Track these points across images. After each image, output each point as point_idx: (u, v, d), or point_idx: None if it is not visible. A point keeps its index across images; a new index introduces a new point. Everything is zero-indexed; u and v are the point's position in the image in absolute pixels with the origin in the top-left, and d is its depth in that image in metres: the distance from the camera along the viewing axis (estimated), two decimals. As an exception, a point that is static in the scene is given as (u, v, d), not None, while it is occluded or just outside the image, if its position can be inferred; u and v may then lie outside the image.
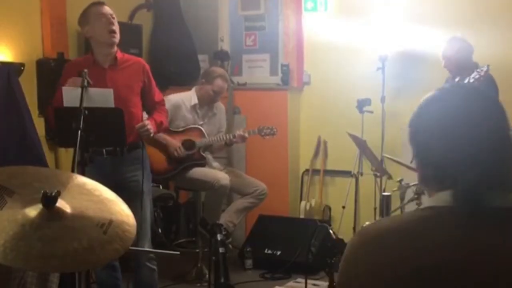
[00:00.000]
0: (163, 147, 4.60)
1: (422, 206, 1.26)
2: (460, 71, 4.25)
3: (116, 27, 3.51)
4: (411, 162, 4.65)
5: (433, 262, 1.14)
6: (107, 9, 3.54)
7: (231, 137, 4.75)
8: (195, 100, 4.79)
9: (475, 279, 1.13)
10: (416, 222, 1.22)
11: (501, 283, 1.13)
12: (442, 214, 1.21)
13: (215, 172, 4.74)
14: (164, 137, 4.57)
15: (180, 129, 4.71)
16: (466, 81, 3.85)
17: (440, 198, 1.22)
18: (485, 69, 3.78)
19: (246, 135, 4.77)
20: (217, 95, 4.79)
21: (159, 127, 3.69)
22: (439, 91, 1.28)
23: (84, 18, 3.57)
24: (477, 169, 1.18)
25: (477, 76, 3.81)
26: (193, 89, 4.86)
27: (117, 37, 3.51)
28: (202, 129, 4.75)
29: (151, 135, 3.59)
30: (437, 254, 1.15)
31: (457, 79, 4.06)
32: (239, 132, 4.77)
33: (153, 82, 3.73)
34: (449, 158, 1.21)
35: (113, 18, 3.53)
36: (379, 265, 1.18)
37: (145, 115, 3.77)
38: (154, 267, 3.73)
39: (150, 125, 3.55)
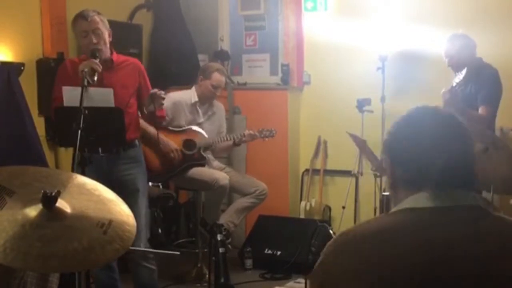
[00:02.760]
0: (159, 148, 4.46)
1: (396, 208, 1.37)
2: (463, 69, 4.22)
3: (99, 43, 3.44)
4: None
5: (415, 261, 1.22)
6: (88, 25, 3.44)
7: (240, 136, 4.72)
8: (195, 98, 4.78)
9: (457, 276, 1.21)
10: (395, 224, 1.31)
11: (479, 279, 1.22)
12: (422, 215, 1.31)
13: (214, 172, 4.74)
14: (161, 137, 4.50)
15: (181, 129, 4.70)
16: (453, 84, 3.85)
17: (417, 200, 1.33)
18: (464, 72, 3.78)
19: (257, 134, 4.73)
20: (217, 89, 4.78)
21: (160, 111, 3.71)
22: (411, 114, 1.46)
23: (72, 26, 3.58)
24: (449, 171, 1.33)
25: (457, 81, 3.82)
26: (193, 88, 4.86)
27: (101, 52, 3.44)
28: (201, 131, 4.72)
29: (163, 103, 3.59)
30: (419, 254, 1.23)
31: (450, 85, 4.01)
32: (248, 131, 4.74)
33: (148, 83, 3.73)
34: (422, 163, 1.35)
35: (97, 33, 3.44)
36: (359, 269, 1.23)
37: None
38: (154, 267, 3.71)
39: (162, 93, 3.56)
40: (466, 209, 1.31)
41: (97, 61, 3.32)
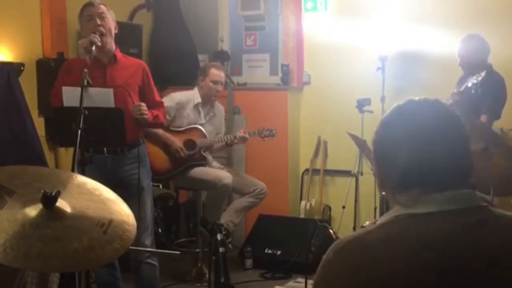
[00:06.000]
0: (165, 147, 4.61)
1: (395, 214, 1.29)
2: (474, 71, 4.20)
3: (102, 26, 3.45)
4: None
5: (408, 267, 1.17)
6: (94, 9, 3.48)
7: (232, 138, 4.76)
8: (198, 99, 4.79)
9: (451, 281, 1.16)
10: (399, 234, 1.23)
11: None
12: (425, 222, 1.23)
13: (217, 171, 4.75)
14: (167, 136, 4.58)
15: (181, 129, 4.71)
16: (468, 84, 3.83)
17: (417, 203, 1.26)
18: (483, 74, 3.77)
19: (247, 136, 4.77)
20: (217, 84, 4.77)
21: (155, 119, 3.65)
22: (404, 105, 1.36)
23: (78, 18, 3.59)
24: (450, 169, 1.26)
25: (474, 81, 3.80)
26: (195, 89, 4.86)
27: (101, 38, 3.43)
28: (202, 129, 4.75)
29: (145, 116, 3.52)
30: (412, 259, 1.18)
31: (464, 86, 3.99)
32: (240, 134, 4.77)
33: (153, 84, 3.73)
34: (415, 164, 1.28)
35: (103, 17, 3.48)
36: (354, 268, 1.20)
37: None
38: (155, 263, 3.72)
39: (145, 108, 3.50)
40: (472, 212, 1.24)
41: (93, 48, 3.32)
